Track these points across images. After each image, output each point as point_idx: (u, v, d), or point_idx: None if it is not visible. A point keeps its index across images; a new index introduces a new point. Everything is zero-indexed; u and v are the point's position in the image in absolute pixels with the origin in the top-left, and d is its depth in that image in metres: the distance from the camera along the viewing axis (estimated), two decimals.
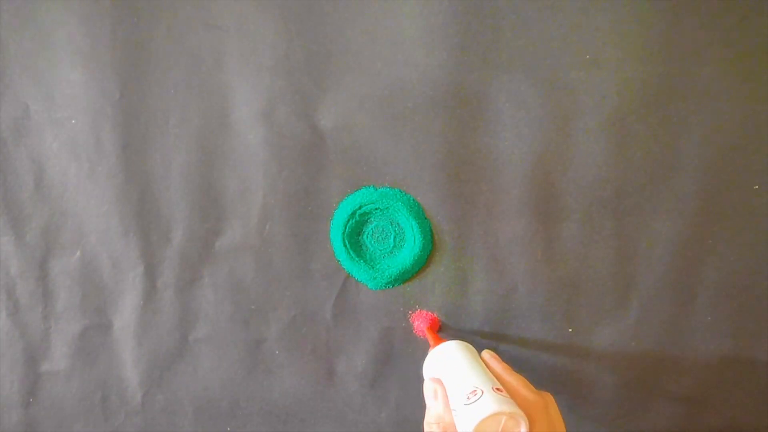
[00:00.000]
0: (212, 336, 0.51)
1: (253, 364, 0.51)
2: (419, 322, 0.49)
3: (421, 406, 0.49)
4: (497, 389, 0.36)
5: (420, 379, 0.49)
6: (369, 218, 0.49)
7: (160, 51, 0.49)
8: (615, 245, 0.46)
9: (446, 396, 0.37)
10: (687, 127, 0.45)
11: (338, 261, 0.50)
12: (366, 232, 0.50)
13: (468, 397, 0.36)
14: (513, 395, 0.37)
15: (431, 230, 0.48)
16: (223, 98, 0.49)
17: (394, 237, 0.49)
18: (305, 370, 0.51)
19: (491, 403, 0.34)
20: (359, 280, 0.50)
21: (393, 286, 0.49)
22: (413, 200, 0.48)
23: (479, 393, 0.36)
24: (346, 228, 0.49)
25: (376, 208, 0.48)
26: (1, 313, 0.52)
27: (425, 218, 0.48)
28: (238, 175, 0.49)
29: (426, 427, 0.37)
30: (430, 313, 0.49)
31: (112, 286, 0.52)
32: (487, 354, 0.42)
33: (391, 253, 0.49)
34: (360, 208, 0.48)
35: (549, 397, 0.37)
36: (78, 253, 0.51)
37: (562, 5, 0.45)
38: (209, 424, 0.52)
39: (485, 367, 0.40)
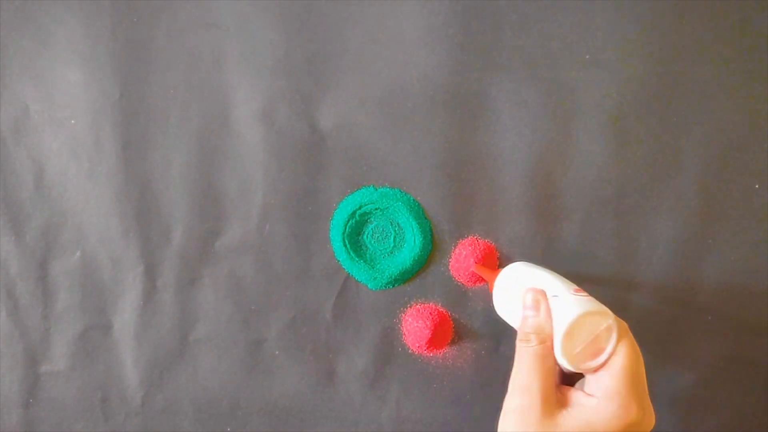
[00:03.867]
0: (212, 336, 0.51)
1: (253, 364, 0.51)
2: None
3: (421, 406, 0.49)
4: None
5: (420, 379, 0.49)
6: (369, 218, 0.49)
7: (160, 51, 0.49)
8: (615, 245, 0.46)
9: (549, 308, 0.37)
10: (687, 127, 0.45)
11: (338, 261, 0.50)
12: (366, 232, 0.49)
13: (576, 291, 0.37)
14: None
15: (431, 230, 0.48)
16: (223, 98, 0.49)
17: (394, 237, 0.49)
18: (305, 370, 0.51)
19: (597, 304, 0.35)
20: (359, 280, 0.50)
21: (393, 286, 0.49)
22: (413, 200, 0.48)
23: (584, 294, 0.37)
24: (346, 228, 0.49)
25: (376, 208, 0.48)
26: (1, 313, 0.52)
27: (425, 218, 0.48)
28: (238, 175, 0.49)
29: (521, 337, 0.36)
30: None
31: (112, 286, 0.52)
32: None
33: (391, 253, 0.49)
34: (360, 208, 0.48)
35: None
36: (78, 253, 0.51)
37: (562, 5, 0.45)
38: (209, 424, 0.52)
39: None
